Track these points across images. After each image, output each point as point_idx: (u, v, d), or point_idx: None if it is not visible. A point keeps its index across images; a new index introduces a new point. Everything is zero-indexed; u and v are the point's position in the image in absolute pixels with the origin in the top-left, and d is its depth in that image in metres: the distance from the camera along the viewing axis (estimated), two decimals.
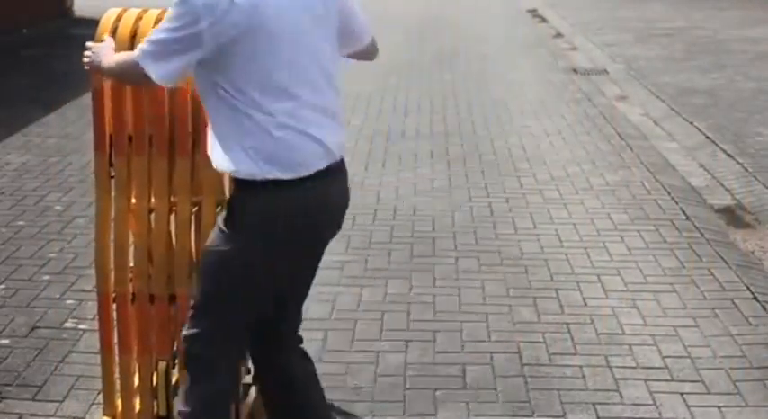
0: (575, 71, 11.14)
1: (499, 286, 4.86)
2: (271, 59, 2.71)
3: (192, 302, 3.04)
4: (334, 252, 5.28)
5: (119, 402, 3.36)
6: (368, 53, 3.17)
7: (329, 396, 3.76)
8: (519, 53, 12.56)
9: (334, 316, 4.50)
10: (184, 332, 2.97)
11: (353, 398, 3.76)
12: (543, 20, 16.18)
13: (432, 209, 6.06)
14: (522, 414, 3.69)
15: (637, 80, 10.64)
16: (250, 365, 3.73)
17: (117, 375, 3.34)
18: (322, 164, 2.81)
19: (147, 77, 2.74)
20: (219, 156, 2.80)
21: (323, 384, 3.83)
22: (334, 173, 2.88)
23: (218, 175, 3.19)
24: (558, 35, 14.34)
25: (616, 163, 7.14)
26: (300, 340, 3.19)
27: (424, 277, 4.97)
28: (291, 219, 2.79)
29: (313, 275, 3.13)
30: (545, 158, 7.25)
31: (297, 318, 3.18)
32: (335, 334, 4.29)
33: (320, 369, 3.95)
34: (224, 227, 2.83)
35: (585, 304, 4.66)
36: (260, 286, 2.90)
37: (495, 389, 3.85)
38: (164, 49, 2.70)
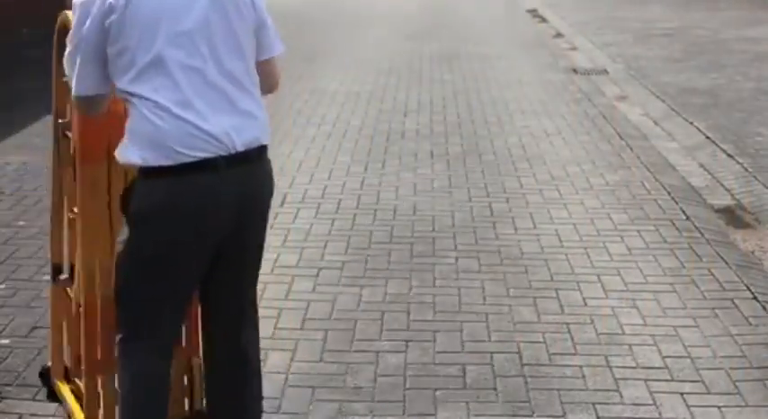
0: (575, 71, 11.14)
1: (499, 286, 4.86)
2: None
3: None
4: (334, 252, 5.32)
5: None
6: None
7: (329, 396, 3.77)
8: (519, 53, 12.56)
9: (334, 316, 4.49)
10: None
11: (353, 398, 3.75)
12: (543, 20, 16.19)
13: (432, 209, 6.05)
14: (522, 414, 3.68)
15: (637, 80, 10.64)
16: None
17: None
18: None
19: None
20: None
21: (322, 384, 3.86)
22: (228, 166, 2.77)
23: None
24: (558, 35, 14.35)
25: (616, 163, 7.14)
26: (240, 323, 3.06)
27: (424, 277, 4.97)
28: (165, 209, 2.77)
29: (231, 268, 2.97)
30: (545, 158, 7.25)
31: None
32: (335, 334, 4.29)
33: (320, 369, 3.98)
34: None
35: (585, 304, 4.66)
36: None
37: (495, 389, 3.85)
38: None
